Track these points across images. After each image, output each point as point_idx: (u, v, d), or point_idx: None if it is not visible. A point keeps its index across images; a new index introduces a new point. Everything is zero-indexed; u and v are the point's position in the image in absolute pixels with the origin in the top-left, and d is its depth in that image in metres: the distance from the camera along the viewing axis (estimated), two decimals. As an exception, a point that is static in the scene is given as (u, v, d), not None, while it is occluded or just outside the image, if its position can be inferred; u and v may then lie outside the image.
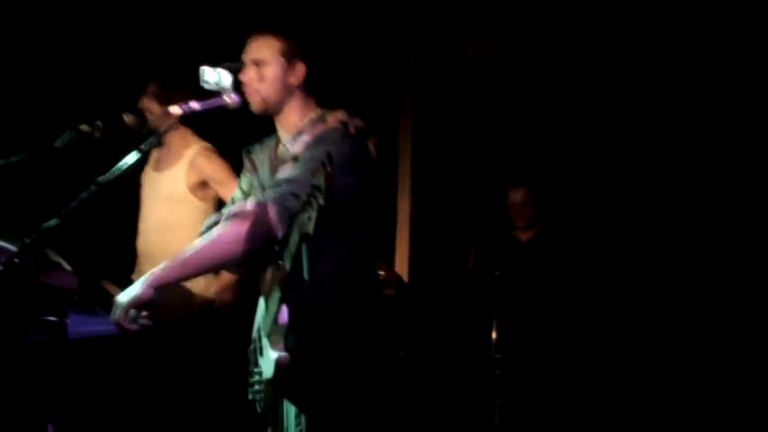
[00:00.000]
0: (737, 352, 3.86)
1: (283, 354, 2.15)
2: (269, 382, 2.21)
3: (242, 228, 2.10)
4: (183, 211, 3.26)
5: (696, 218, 4.07)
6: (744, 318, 3.89)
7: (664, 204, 4.15)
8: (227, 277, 3.25)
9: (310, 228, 1.87)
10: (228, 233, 2.13)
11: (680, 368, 3.93)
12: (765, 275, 3.86)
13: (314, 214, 1.86)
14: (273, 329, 2.20)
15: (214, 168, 3.26)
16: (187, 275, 2.24)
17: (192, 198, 3.27)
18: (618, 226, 4.27)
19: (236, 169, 3.26)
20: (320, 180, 1.84)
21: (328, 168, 1.83)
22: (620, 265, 4.14)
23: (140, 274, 3.28)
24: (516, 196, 4.20)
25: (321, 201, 1.84)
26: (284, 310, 2.18)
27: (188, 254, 2.17)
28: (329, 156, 1.90)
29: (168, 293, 3.20)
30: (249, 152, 2.45)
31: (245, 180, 2.47)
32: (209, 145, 3.34)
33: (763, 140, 3.91)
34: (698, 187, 4.05)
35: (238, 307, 3.18)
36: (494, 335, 3.86)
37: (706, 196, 4.03)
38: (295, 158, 2.22)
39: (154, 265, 3.22)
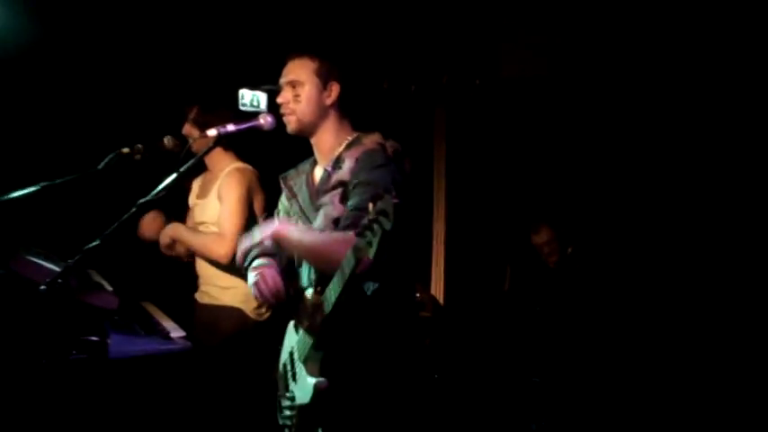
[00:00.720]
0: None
1: (321, 379, 2.15)
2: (303, 407, 2.20)
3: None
4: None
5: (721, 227, 4.03)
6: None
7: (693, 216, 4.11)
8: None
9: (370, 253, 1.87)
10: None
11: (718, 389, 3.85)
12: None
13: (375, 240, 1.85)
14: (310, 355, 2.21)
15: (227, 186, 3.26)
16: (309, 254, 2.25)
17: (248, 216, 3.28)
18: (647, 238, 4.23)
19: (272, 190, 3.33)
20: (386, 205, 1.84)
21: (394, 194, 1.84)
22: (649, 276, 4.11)
23: (201, 295, 3.35)
24: (540, 238, 4.22)
25: (387, 226, 1.84)
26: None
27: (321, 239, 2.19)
28: (395, 181, 1.94)
29: (221, 315, 3.26)
30: (285, 178, 2.47)
31: (283, 206, 2.49)
32: (242, 165, 3.34)
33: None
34: (724, 198, 4.01)
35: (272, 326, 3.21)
36: (530, 358, 3.83)
37: (732, 207, 3.99)
38: (341, 184, 2.23)
39: (211, 286, 3.32)
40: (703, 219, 4.07)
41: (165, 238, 3.34)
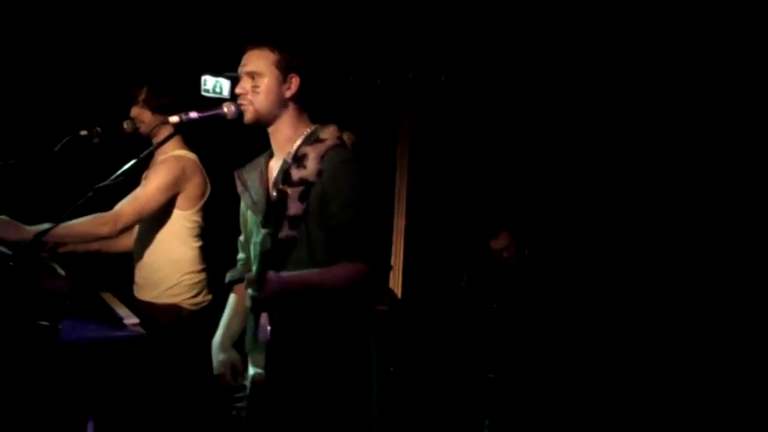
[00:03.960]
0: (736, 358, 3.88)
1: (259, 371, 2.16)
2: (247, 398, 2.22)
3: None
4: (161, 220, 3.19)
5: (682, 222, 4.12)
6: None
7: (650, 211, 4.20)
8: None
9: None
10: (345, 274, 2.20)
11: (679, 379, 3.93)
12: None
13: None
14: (253, 347, 2.22)
15: (155, 173, 3.14)
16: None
17: (163, 206, 3.16)
18: (607, 233, 4.31)
19: (222, 184, 3.29)
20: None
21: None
22: (609, 272, 4.18)
23: (136, 288, 3.29)
24: (499, 243, 4.23)
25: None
26: (265, 329, 2.20)
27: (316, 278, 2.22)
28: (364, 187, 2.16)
29: (156, 312, 3.21)
30: (240, 172, 2.45)
31: (243, 202, 2.48)
32: (180, 153, 3.21)
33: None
34: (687, 194, 4.11)
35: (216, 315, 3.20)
36: (485, 354, 3.88)
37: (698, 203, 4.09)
38: (304, 182, 2.23)
39: (141, 275, 3.26)
40: (665, 217, 4.16)
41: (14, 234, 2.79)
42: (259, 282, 2.05)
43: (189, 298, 3.23)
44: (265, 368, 2.17)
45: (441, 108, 4.63)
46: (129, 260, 3.35)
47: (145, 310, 3.13)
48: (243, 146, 2.69)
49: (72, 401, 2.80)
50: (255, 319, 2.26)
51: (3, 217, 2.79)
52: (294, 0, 4.16)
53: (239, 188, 2.43)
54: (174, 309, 3.19)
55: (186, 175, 3.17)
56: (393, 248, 4.73)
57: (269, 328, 2.17)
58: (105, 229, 2.99)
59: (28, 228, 2.79)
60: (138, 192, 3.14)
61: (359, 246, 2.18)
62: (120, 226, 3.02)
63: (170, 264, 3.21)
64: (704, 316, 3.97)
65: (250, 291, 2.09)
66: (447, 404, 4.08)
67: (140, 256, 3.27)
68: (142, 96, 3.17)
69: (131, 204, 3.08)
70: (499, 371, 3.88)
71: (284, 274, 2.15)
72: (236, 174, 2.46)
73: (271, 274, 2.09)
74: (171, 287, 3.21)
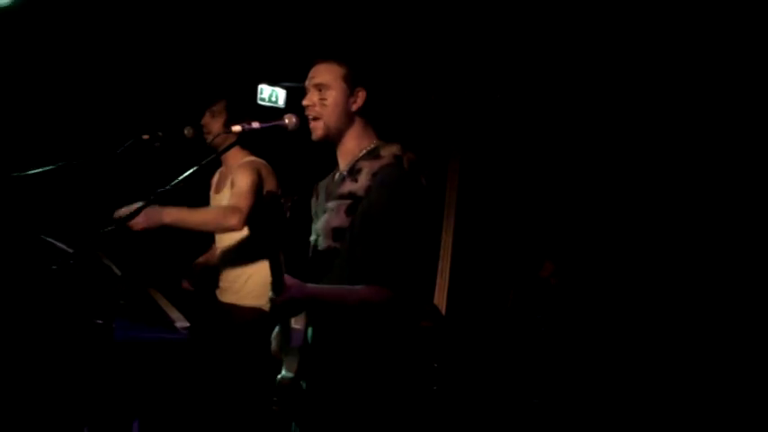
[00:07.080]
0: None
1: (287, 375, 2.18)
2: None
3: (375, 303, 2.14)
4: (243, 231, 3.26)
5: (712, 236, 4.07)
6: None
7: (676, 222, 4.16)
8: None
9: None
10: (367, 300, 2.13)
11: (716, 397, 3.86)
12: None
13: None
14: (286, 350, 2.23)
15: (239, 175, 3.21)
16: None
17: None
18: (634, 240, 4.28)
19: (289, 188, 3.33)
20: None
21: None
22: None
23: (221, 292, 3.34)
24: (545, 273, 4.34)
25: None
26: (297, 333, 2.19)
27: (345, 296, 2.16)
28: (409, 211, 2.12)
29: (240, 314, 3.27)
30: (317, 185, 2.46)
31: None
32: (255, 159, 3.30)
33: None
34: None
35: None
36: (531, 378, 3.85)
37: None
38: (352, 196, 2.23)
39: (227, 280, 3.32)
40: (697, 230, 4.11)
41: (155, 220, 2.95)
42: (277, 285, 2.01)
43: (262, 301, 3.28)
44: (297, 372, 2.16)
45: (494, 126, 4.62)
46: (176, 257, 3.42)
47: (228, 311, 3.26)
48: (302, 157, 2.71)
49: (120, 400, 2.83)
50: (286, 323, 2.26)
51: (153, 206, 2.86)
52: (349, 12, 4.18)
53: (312, 200, 2.44)
54: (255, 311, 3.24)
55: (264, 174, 3.24)
56: (439, 264, 4.72)
57: (302, 331, 2.18)
58: (234, 221, 3.05)
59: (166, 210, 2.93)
60: (235, 192, 3.17)
61: (383, 270, 2.12)
62: (244, 219, 3.07)
63: (252, 270, 3.28)
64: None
65: (270, 294, 2.06)
66: (492, 422, 4.04)
67: (225, 264, 3.33)
68: (218, 108, 3.23)
69: (240, 201, 3.12)
70: (544, 396, 3.84)
71: (309, 285, 2.11)
72: (314, 188, 2.47)
73: (290, 280, 2.04)
74: (253, 290, 3.27)
